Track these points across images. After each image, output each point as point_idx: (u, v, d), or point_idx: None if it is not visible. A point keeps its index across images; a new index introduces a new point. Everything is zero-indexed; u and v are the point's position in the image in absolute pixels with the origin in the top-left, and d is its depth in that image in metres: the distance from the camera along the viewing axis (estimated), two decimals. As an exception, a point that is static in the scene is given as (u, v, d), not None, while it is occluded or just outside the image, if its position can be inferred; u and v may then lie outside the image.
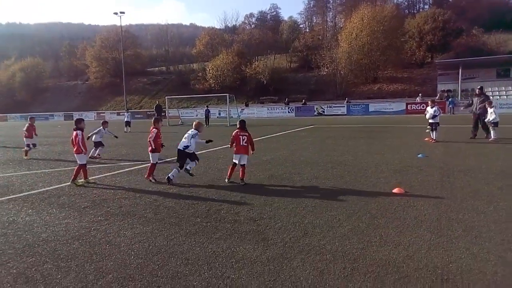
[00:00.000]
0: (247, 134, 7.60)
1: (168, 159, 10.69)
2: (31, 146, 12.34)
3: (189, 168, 7.73)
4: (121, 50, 59.18)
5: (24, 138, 12.35)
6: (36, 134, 12.71)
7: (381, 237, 4.41)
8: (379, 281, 3.38)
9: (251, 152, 7.71)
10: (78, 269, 3.78)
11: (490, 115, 13.06)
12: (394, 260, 3.80)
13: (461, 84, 37.39)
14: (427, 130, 13.88)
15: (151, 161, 8.04)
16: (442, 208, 5.45)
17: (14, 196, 7.01)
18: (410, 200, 5.90)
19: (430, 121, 13.50)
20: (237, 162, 7.61)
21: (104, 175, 8.88)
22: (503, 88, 37.20)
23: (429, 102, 14.53)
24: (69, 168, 10.11)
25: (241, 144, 7.54)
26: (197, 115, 42.43)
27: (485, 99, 13.66)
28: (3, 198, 6.83)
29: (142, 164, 10.29)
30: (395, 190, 6.47)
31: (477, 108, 13.68)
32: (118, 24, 62.20)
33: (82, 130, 8.08)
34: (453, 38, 51.56)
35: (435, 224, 4.80)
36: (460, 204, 5.61)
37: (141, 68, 73.44)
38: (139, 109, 56.65)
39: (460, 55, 44.27)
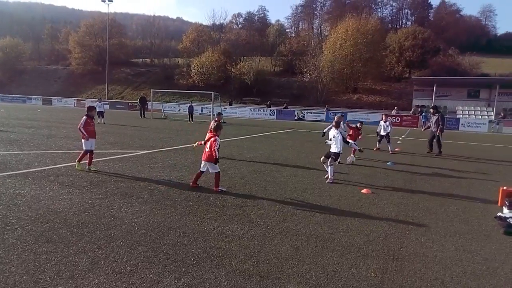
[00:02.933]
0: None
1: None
2: None
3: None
4: (106, 38, 58.66)
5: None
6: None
7: (348, 226, 5.24)
8: (343, 257, 4.18)
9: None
10: (90, 235, 4.40)
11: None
12: (357, 243, 4.62)
13: (434, 101, 39.30)
14: (399, 142, 14.97)
15: (215, 170, 6.88)
16: (401, 208, 6.35)
17: (13, 172, 7.46)
18: (375, 200, 6.79)
19: (382, 133, 14.18)
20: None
21: (96, 159, 9.35)
22: (472, 108, 39.42)
23: (382, 116, 14.95)
24: (60, 151, 10.55)
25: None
26: (179, 110, 42.68)
27: (440, 118, 14.25)
28: (4, 174, 7.28)
29: (132, 152, 10.84)
30: (363, 191, 7.34)
31: (433, 126, 14.37)
32: (103, 10, 61.69)
33: (91, 117, 8.47)
34: (431, 56, 54.10)
35: (393, 219, 5.68)
36: (417, 205, 6.53)
37: (125, 58, 72.66)
38: (120, 99, 56.19)
39: (436, 73, 46.49)
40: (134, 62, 75.41)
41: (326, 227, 5.14)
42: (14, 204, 5.37)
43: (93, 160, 8.39)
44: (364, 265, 3.99)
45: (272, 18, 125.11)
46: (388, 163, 11.06)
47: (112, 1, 52.72)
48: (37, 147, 11.00)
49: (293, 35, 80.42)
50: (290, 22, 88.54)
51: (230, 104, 45.61)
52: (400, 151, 14.59)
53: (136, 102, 40.23)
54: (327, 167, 8.30)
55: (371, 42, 48.35)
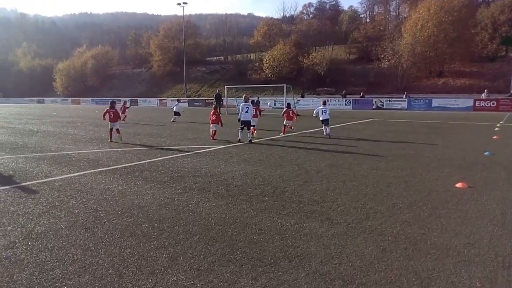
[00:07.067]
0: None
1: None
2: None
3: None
4: (183, 39, 61.79)
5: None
6: None
7: (442, 226, 4.62)
8: (439, 262, 3.65)
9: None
10: (170, 230, 4.47)
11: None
12: (455, 246, 4.02)
13: (539, 80, 34.34)
14: (497, 128, 13.26)
15: None
16: (508, 204, 5.47)
17: (104, 169, 8.07)
18: (474, 195, 5.96)
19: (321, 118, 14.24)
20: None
21: (176, 155, 9.77)
22: None
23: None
24: (144, 148, 11.23)
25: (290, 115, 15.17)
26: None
27: None
28: (95, 170, 7.90)
29: (208, 148, 11.12)
30: (458, 185, 6.51)
31: None
32: (180, 14, 64.91)
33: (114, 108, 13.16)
34: (534, 29, 47.17)
35: (498, 218, 4.89)
36: (528, 202, 5.58)
37: (200, 58, 75.99)
38: (198, 97, 58.92)
39: (540, 49, 40.49)
40: (209, 61, 78.41)
41: (416, 227, 4.59)
42: (103, 199, 5.74)
43: (117, 135, 12.69)
44: (466, 273, 3.44)
45: (345, 4, 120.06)
46: (486, 153, 9.78)
47: (186, 3, 55.24)
48: (125, 145, 11.85)
49: (367, 20, 76.19)
50: (364, 7, 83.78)
51: (302, 96, 44.93)
52: (498, 139, 12.89)
53: (212, 99, 41.72)
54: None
55: (458, 19, 43.57)
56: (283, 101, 33.41)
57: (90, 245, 4.02)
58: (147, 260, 3.66)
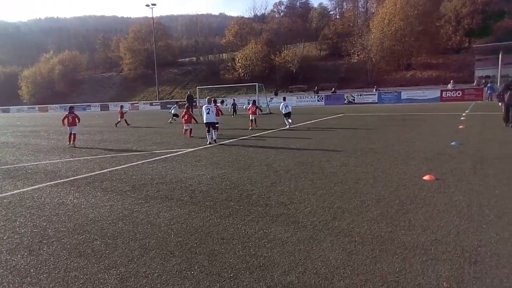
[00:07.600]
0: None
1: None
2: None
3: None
4: (153, 41, 60.59)
5: None
6: None
7: (410, 222, 4.51)
8: (406, 262, 3.50)
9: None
10: (124, 246, 4.14)
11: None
12: (422, 243, 3.90)
13: (501, 69, 35.58)
14: (462, 118, 13.52)
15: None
16: (474, 195, 5.44)
17: (61, 180, 7.58)
18: (441, 187, 5.91)
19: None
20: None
21: (141, 161, 9.35)
22: (548, 73, 35.08)
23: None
24: (109, 155, 10.73)
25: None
26: (227, 105, 42.86)
27: None
28: (52, 182, 7.41)
29: (176, 152, 10.75)
30: (426, 177, 6.47)
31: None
32: (150, 16, 63.77)
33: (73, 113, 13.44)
34: (494, 21, 48.92)
35: (465, 210, 4.83)
36: (493, 191, 5.57)
37: (172, 59, 74.80)
38: (170, 99, 57.88)
39: (501, 39, 41.93)
40: (180, 62, 77.32)
41: (384, 224, 4.45)
42: (55, 215, 5.32)
43: (75, 140, 13.20)
44: (433, 272, 3.30)
45: (315, 1, 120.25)
46: (453, 143, 9.89)
47: (155, 5, 54.15)
48: (88, 153, 11.30)
49: (337, 17, 77.12)
50: (333, 3, 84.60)
51: (276, 94, 44.94)
52: (464, 128, 13.14)
53: (184, 101, 41.03)
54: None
55: (423, 13, 44.72)
56: (256, 100, 33.22)
57: (32, 270, 3.63)
58: (93, 283, 3.33)
